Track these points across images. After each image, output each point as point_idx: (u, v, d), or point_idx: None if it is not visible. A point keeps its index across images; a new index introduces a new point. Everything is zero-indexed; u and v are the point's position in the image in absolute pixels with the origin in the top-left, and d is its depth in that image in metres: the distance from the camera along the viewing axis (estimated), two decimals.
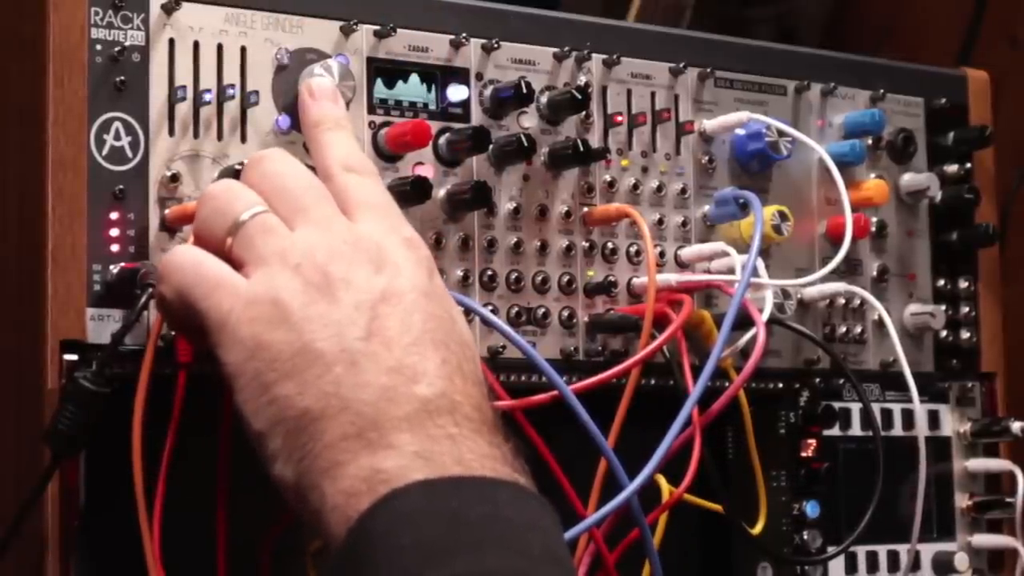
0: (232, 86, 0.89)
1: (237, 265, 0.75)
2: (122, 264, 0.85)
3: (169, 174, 0.87)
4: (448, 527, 0.65)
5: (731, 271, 1.00)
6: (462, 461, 0.68)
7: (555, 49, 1.01)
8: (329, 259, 0.74)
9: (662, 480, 0.97)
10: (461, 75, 0.98)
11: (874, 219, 1.12)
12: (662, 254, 1.03)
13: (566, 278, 0.99)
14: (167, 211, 0.87)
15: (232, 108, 0.90)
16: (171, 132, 0.88)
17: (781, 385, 1.08)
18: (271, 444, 0.71)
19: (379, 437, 0.69)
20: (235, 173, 0.87)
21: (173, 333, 0.84)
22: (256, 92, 0.90)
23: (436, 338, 0.73)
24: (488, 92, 0.98)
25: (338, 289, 0.72)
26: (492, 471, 0.69)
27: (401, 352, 0.71)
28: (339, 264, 0.73)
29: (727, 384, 0.98)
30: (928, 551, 1.14)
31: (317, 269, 0.73)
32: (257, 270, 0.74)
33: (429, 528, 0.65)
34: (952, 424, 1.16)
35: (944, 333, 1.15)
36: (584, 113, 1.01)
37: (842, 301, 1.10)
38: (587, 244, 1.01)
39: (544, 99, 1.00)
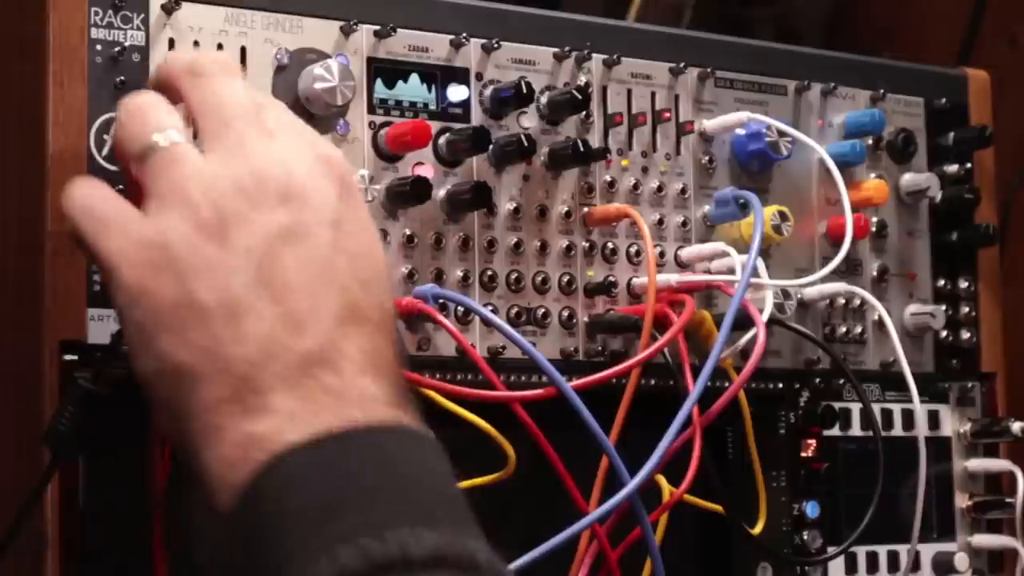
0: None
1: (143, 193, 0.72)
2: None
3: None
4: (333, 484, 0.62)
5: (731, 271, 1.00)
6: (341, 414, 0.65)
7: (555, 49, 1.01)
8: (228, 195, 0.69)
9: (662, 480, 0.97)
10: (461, 75, 0.98)
11: (874, 219, 1.12)
12: (662, 254, 1.03)
13: (566, 278, 0.99)
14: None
15: None
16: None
17: (781, 385, 1.08)
18: (155, 395, 0.69)
19: (255, 399, 0.65)
20: None
21: None
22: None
23: (337, 278, 0.68)
24: (488, 92, 0.98)
25: (231, 230, 0.68)
26: (376, 417, 0.65)
27: (292, 299, 0.67)
28: (238, 201, 0.69)
29: (727, 384, 0.98)
30: (928, 551, 1.14)
31: (213, 207, 0.69)
32: (153, 206, 0.70)
33: (313, 489, 0.62)
34: (952, 424, 1.16)
35: (944, 333, 1.15)
36: (584, 113, 1.01)
37: (842, 301, 1.10)
38: (587, 244, 1.01)
39: (544, 99, 1.00)
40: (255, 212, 0.69)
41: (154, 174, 0.71)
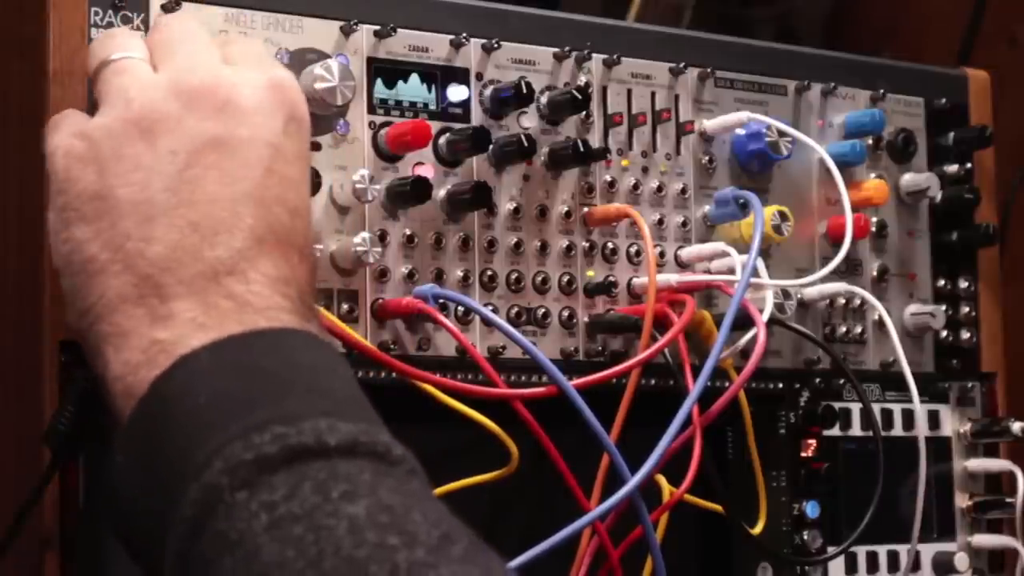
0: None
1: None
2: None
3: None
4: (242, 380, 0.62)
5: (731, 271, 1.00)
6: (244, 321, 0.65)
7: (555, 49, 1.01)
8: (164, 99, 0.69)
9: (662, 480, 0.97)
10: (461, 75, 0.98)
11: (874, 219, 1.12)
12: (662, 254, 1.03)
13: (566, 278, 0.99)
14: None
15: None
16: None
17: (781, 385, 1.08)
18: (64, 284, 0.69)
19: (159, 304, 0.65)
20: None
21: None
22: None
23: (263, 198, 0.68)
24: (488, 92, 0.98)
25: (160, 132, 0.68)
26: (279, 322, 0.65)
27: (209, 207, 0.67)
28: (171, 105, 0.69)
29: (727, 384, 0.98)
30: (928, 551, 1.14)
31: (145, 108, 0.69)
32: (98, 110, 0.72)
33: (222, 384, 0.62)
34: (952, 424, 1.16)
35: (944, 333, 1.15)
36: (584, 113, 1.01)
37: (842, 301, 1.10)
38: (587, 244, 1.01)
39: (544, 99, 1.00)
40: (188, 118, 0.69)
41: (103, 81, 0.73)
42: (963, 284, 1.17)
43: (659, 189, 1.04)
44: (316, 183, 0.89)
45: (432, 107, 0.96)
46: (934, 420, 1.15)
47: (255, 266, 0.67)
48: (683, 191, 1.05)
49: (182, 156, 0.68)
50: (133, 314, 0.66)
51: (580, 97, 0.98)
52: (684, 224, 1.05)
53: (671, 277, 1.00)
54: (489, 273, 0.96)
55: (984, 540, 1.16)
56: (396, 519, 0.55)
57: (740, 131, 1.06)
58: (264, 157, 0.69)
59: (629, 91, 1.04)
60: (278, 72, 0.73)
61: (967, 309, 1.17)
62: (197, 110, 0.69)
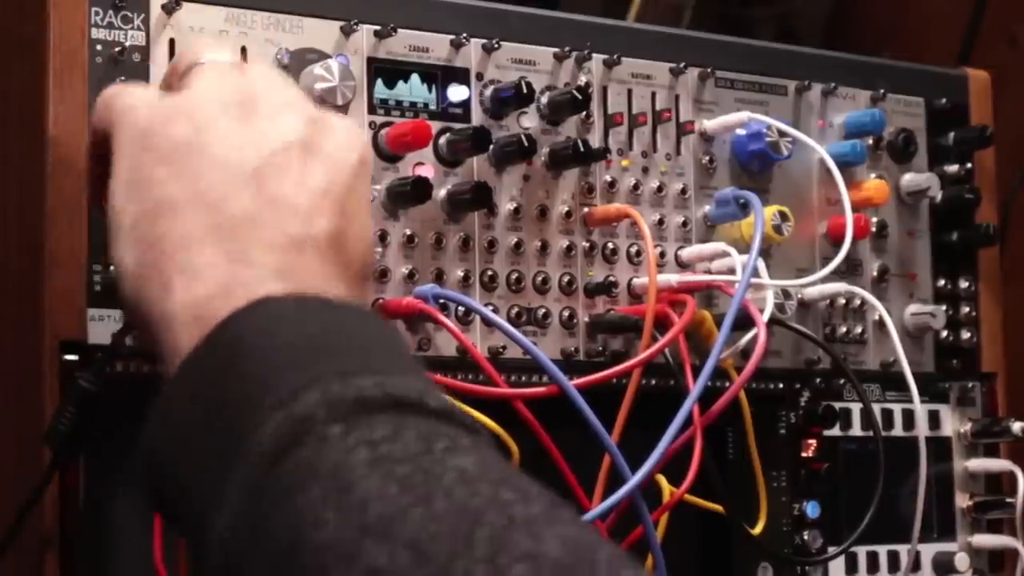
0: None
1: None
2: None
3: None
4: (330, 331, 0.60)
5: (731, 271, 1.00)
6: (322, 289, 0.64)
7: (555, 49, 1.01)
8: (264, 92, 0.70)
9: (663, 480, 0.97)
10: (461, 75, 0.98)
11: (874, 219, 1.12)
12: (662, 254, 1.03)
13: (566, 278, 0.99)
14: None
15: None
16: None
17: (781, 385, 1.08)
18: (121, 220, 0.67)
19: (237, 249, 0.64)
20: None
21: None
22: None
23: (339, 204, 0.68)
24: (488, 92, 0.98)
25: (258, 118, 0.69)
26: (353, 302, 0.64)
27: (292, 195, 0.67)
28: (272, 99, 0.70)
29: (728, 384, 0.98)
30: (928, 551, 1.14)
31: (243, 94, 0.69)
32: (185, 85, 0.71)
33: (310, 329, 0.60)
34: (952, 424, 1.16)
35: (944, 333, 1.15)
36: (584, 113, 1.01)
37: (842, 301, 1.10)
38: (587, 244, 1.01)
39: (544, 99, 1.00)
40: (283, 115, 0.69)
41: (195, 75, 0.72)
42: (963, 284, 1.17)
43: (659, 189, 1.04)
44: None
45: (432, 107, 0.96)
46: (934, 420, 1.15)
47: (324, 257, 0.66)
48: (683, 191, 1.05)
49: (274, 142, 0.68)
50: (210, 252, 0.64)
51: (580, 97, 0.98)
52: (684, 224, 1.05)
53: (671, 277, 1.00)
54: (489, 273, 0.96)
55: (984, 540, 1.16)
56: (506, 476, 0.53)
57: (740, 131, 1.06)
58: (344, 176, 0.69)
59: (629, 91, 1.04)
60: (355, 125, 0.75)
61: (967, 309, 1.17)
62: (292, 112, 0.70)
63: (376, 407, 0.55)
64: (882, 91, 1.14)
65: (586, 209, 1.01)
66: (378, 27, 0.95)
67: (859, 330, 1.11)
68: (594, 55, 1.02)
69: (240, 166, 0.67)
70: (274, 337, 0.60)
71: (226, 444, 0.57)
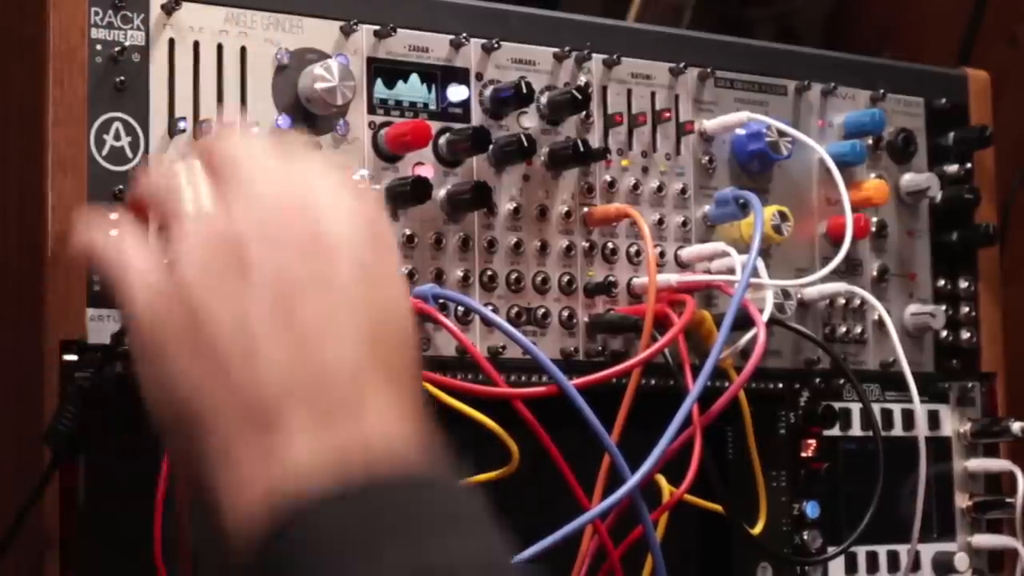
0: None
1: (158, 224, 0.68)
2: None
3: None
4: (371, 528, 0.58)
5: (731, 271, 1.00)
6: (368, 463, 0.60)
7: (555, 49, 1.01)
8: (251, 237, 0.65)
9: (662, 480, 0.97)
10: (461, 75, 0.98)
11: (874, 219, 1.12)
12: (662, 254, 1.03)
13: (566, 278, 0.99)
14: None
15: (232, 107, 0.89)
16: (171, 133, 0.88)
17: (781, 385, 1.08)
18: (162, 416, 0.65)
19: (273, 435, 0.61)
20: None
21: None
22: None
23: (362, 329, 0.64)
24: (488, 92, 0.98)
25: (252, 268, 0.64)
26: (405, 468, 0.61)
27: (312, 342, 0.63)
28: (261, 244, 0.65)
29: (727, 384, 0.98)
30: (928, 551, 1.14)
31: (233, 250, 0.65)
32: (172, 252, 0.66)
33: (351, 529, 0.58)
34: (952, 424, 1.16)
35: (944, 333, 1.15)
36: (584, 113, 1.01)
37: (842, 301, 1.10)
38: (587, 244, 1.01)
39: (544, 99, 1.00)
40: (277, 254, 0.65)
41: (179, 230, 0.67)
42: (963, 284, 1.17)
43: (659, 189, 1.04)
44: None
45: (432, 107, 0.96)
46: (934, 420, 1.15)
47: (367, 403, 0.63)
48: (683, 191, 1.05)
49: (277, 289, 0.64)
50: (245, 442, 0.61)
51: (580, 97, 0.98)
52: (684, 224, 1.05)
53: (671, 277, 1.00)
54: (489, 273, 0.96)
55: (984, 540, 1.16)
56: None
57: (740, 131, 1.06)
58: (354, 291, 0.65)
59: (629, 91, 1.04)
60: (354, 195, 0.69)
61: (967, 309, 1.17)
62: (285, 246, 0.65)
63: None
64: (882, 91, 1.14)
65: (586, 209, 1.01)
66: (378, 27, 0.95)
67: (859, 330, 1.11)
68: (594, 55, 1.02)
69: (249, 336, 0.63)
70: (325, 542, 0.58)
71: None
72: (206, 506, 0.63)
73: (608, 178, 1.02)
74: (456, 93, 0.97)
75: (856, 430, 1.11)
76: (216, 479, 0.62)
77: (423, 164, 0.95)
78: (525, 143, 0.96)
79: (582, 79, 1.02)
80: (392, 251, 0.69)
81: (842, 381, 1.10)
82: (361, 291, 0.66)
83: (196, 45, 0.89)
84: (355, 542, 0.58)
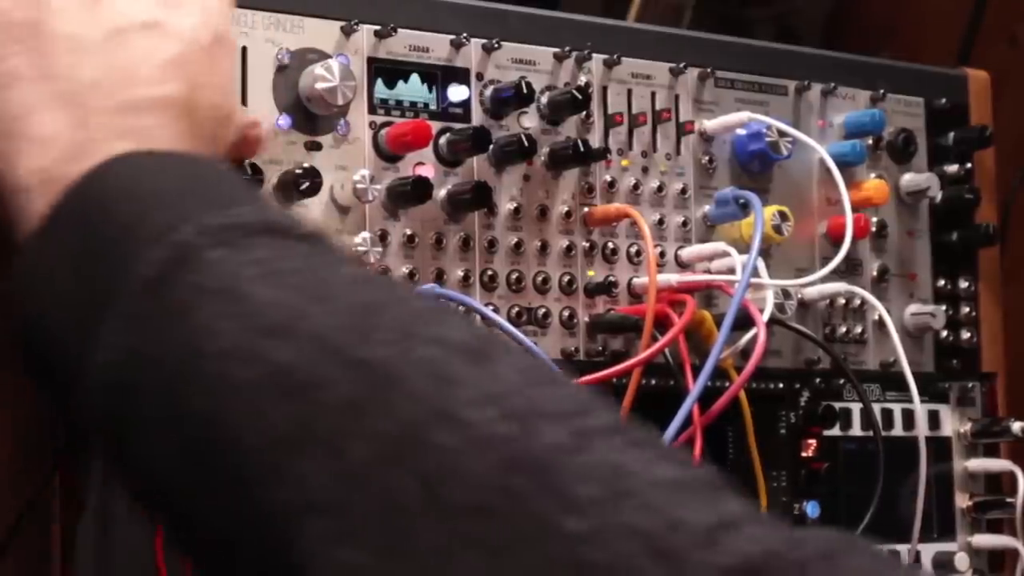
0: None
1: None
2: None
3: None
4: (190, 177, 0.59)
5: (731, 271, 1.00)
6: (168, 145, 0.63)
7: (555, 49, 1.01)
8: None
9: None
10: (461, 75, 0.98)
11: (874, 219, 1.12)
12: (662, 254, 1.03)
13: (566, 278, 0.99)
14: None
15: None
16: None
17: (781, 385, 1.08)
18: None
19: (83, 114, 0.63)
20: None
21: None
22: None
23: (194, 78, 0.67)
24: (488, 92, 0.98)
25: (102, 4, 0.67)
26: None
27: (140, 61, 0.66)
28: None
29: (728, 384, 0.98)
30: (928, 551, 1.14)
31: None
32: None
33: (172, 174, 0.59)
34: (952, 424, 1.16)
35: (944, 333, 1.15)
36: (584, 113, 1.01)
37: (842, 301, 1.10)
38: (587, 244, 1.01)
39: (544, 99, 1.00)
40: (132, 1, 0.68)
41: None
42: (963, 284, 1.17)
43: (659, 189, 1.04)
44: (316, 183, 0.90)
45: (432, 107, 0.96)
46: (934, 420, 1.15)
47: (169, 123, 0.65)
48: (683, 191, 1.05)
49: (120, 24, 0.67)
50: (51, 119, 0.64)
51: (580, 97, 0.98)
52: (684, 224, 1.05)
53: (671, 277, 1.00)
54: (489, 273, 0.96)
55: (984, 540, 1.16)
56: (393, 281, 0.54)
57: (740, 131, 1.06)
58: (194, 50, 0.69)
59: (629, 91, 1.04)
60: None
61: (967, 309, 1.17)
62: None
63: (255, 232, 0.55)
64: (882, 91, 1.14)
65: (586, 209, 1.01)
66: (378, 27, 0.95)
67: (859, 330, 1.11)
68: (594, 55, 1.02)
69: (87, 39, 0.66)
70: (138, 185, 0.59)
71: (99, 284, 0.55)
72: (11, 193, 0.63)
73: (608, 178, 1.02)
74: (456, 93, 0.97)
75: (856, 430, 1.11)
76: (20, 140, 0.63)
77: (423, 164, 0.95)
78: (525, 143, 0.96)
79: (582, 79, 1.02)
80: (225, 59, 0.71)
81: (842, 381, 1.10)
82: (203, 55, 0.68)
83: None
84: (179, 180, 0.59)
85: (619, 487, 0.46)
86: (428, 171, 0.95)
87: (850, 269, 1.11)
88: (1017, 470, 1.14)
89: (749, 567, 0.45)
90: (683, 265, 1.04)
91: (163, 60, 0.67)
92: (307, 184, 0.89)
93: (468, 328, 0.52)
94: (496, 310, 0.96)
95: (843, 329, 1.11)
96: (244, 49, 0.90)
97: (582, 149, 0.98)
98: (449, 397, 0.48)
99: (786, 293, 1.03)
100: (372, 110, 0.94)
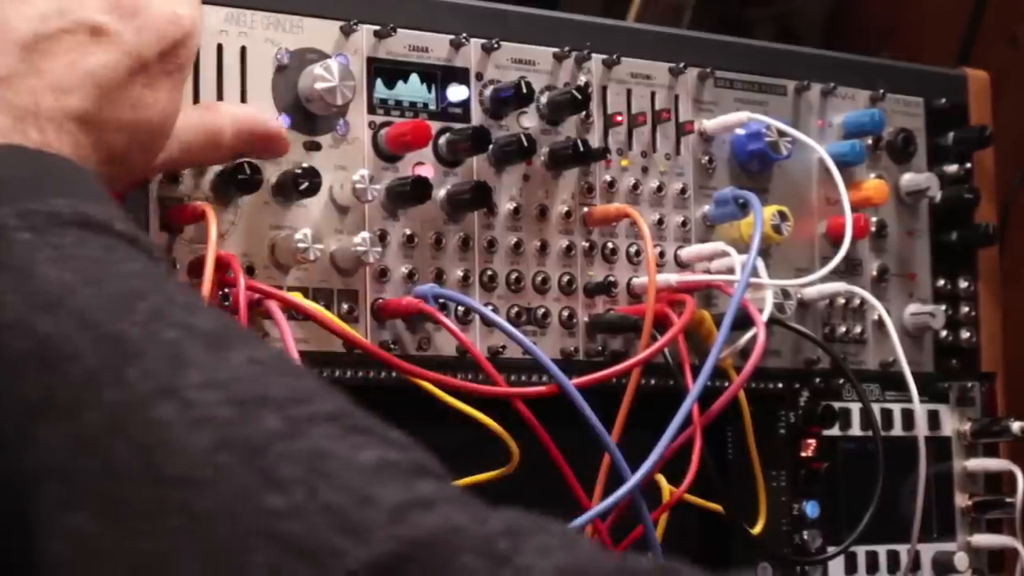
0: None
1: None
2: None
3: (169, 174, 0.87)
4: (18, 167, 0.64)
5: (731, 271, 1.00)
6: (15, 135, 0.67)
7: (555, 49, 1.01)
8: None
9: (662, 480, 0.97)
10: (461, 75, 0.98)
11: (874, 219, 1.12)
12: (662, 254, 1.03)
13: (566, 278, 0.99)
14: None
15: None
16: None
17: (781, 385, 1.08)
18: None
19: None
20: (235, 172, 0.87)
21: None
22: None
23: (112, 95, 0.70)
24: (488, 92, 0.98)
25: None
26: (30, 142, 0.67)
27: (62, 66, 0.69)
28: None
29: (727, 384, 0.98)
30: (928, 551, 1.14)
31: None
32: None
33: (6, 165, 0.63)
34: (952, 424, 1.16)
35: (944, 333, 1.15)
36: (584, 113, 1.01)
37: (842, 301, 1.10)
38: (587, 244, 1.01)
39: (544, 99, 1.00)
40: None
41: None
42: (963, 284, 1.17)
43: (659, 189, 1.04)
44: (316, 183, 0.89)
45: (432, 107, 0.96)
46: (934, 420, 1.15)
47: (68, 137, 0.69)
48: (683, 191, 1.05)
49: (65, 21, 0.70)
50: None
51: (580, 97, 0.98)
52: (684, 224, 1.05)
53: (671, 277, 1.00)
54: (489, 273, 0.96)
55: (984, 540, 1.16)
56: (174, 283, 0.59)
57: (740, 131, 1.06)
58: (124, 65, 0.71)
59: (629, 91, 1.04)
60: None
61: (967, 309, 1.17)
62: None
63: (67, 222, 0.59)
64: (881, 91, 1.14)
65: (586, 209, 1.01)
66: (378, 27, 0.95)
67: (858, 330, 1.11)
68: (594, 55, 1.02)
69: (15, 32, 0.69)
70: None
71: None
72: None
73: (608, 178, 1.02)
74: (456, 93, 0.97)
75: (856, 430, 1.11)
76: None
77: (423, 164, 0.95)
78: (525, 143, 0.96)
79: (582, 79, 1.02)
80: (173, 75, 0.74)
81: (842, 381, 1.10)
82: (122, 64, 0.71)
83: None
84: (6, 171, 0.63)
85: (321, 469, 0.49)
86: (428, 171, 0.95)
87: (850, 269, 1.11)
88: (1017, 470, 1.14)
89: (434, 539, 0.48)
90: (683, 265, 1.04)
91: (85, 71, 0.70)
92: (306, 184, 0.89)
93: (219, 320, 0.56)
94: (496, 310, 0.96)
95: (843, 329, 1.11)
96: (243, 49, 0.90)
97: (582, 149, 0.98)
98: (179, 377, 0.52)
99: (786, 293, 1.03)
100: (371, 110, 0.94)
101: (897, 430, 1.13)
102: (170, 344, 0.53)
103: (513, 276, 0.97)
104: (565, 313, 0.99)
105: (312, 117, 0.92)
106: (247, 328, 0.58)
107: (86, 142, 0.69)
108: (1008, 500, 1.15)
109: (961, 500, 1.16)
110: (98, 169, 0.69)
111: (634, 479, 0.88)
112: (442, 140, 0.96)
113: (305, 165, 0.89)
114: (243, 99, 0.90)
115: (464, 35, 0.97)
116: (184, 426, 0.51)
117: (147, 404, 0.52)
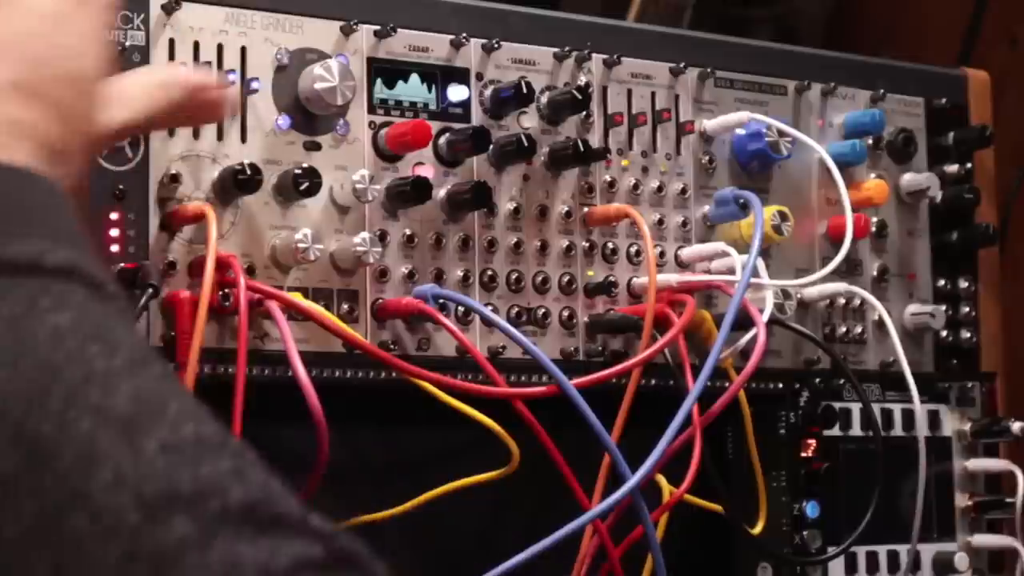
0: (232, 70, 0.89)
1: None
2: (122, 264, 0.85)
3: (169, 174, 0.87)
4: None
5: (731, 271, 1.00)
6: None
7: (555, 49, 1.01)
8: None
9: (662, 480, 0.97)
10: (461, 75, 0.98)
11: (874, 219, 1.12)
12: (662, 254, 1.03)
13: (566, 278, 0.99)
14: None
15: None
16: (171, 132, 0.88)
17: (781, 385, 1.08)
18: None
19: None
20: (235, 173, 0.87)
21: (173, 334, 0.84)
22: (256, 79, 0.90)
23: (35, 55, 0.65)
24: (488, 92, 0.98)
25: None
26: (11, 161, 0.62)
27: None
28: None
29: (727, 384, 0.98)
30: (928, 551, 1.14)
31: None
32: None
33: None
34: (952, 424, 1.16)
35: (944, 333, 1.15)
36: (584, 113, 1.01)
37: (842, 301, 1.10)
38: (587, 244, 1.01)
39: (544, 99, 1.00)
40: None
41: None
42: (963, 284, 1.17)
43: (659, 189, 1.04)
44: (316, 183, 0.89)
45: (432, 107, 0.96)
46: (934, 420, 1.15)
47: (21, 111, 0.64)
48: (683, 191, 1.05)
49: None
50: None
51: (580, 97, 0.98)
52: (684, 224, 1.05)
53: (671, 277, 1.00)
54: (489, 273, 0.96)
55: (984, 540, 1.16)
56: (101, 331, 0.55)
57: (740, 131, 1.06)
58: (35, 22, 0.66)
59: (629, 91, 1.04)
60: None
61: (967, 309, 1.17)
62: None
63: None
64: (882, 91, 1.14)
65: (586, 209, 1.01)
66: (378, 27, 0.95)
67: (859, 330, 1.11)
68: (594, 55, 1.02)
69: None
70: None
71: None
72: None
73: (608, 178, 1.02)
74: (456, 93, 0.97)
75: (856, 430, 1.11)
76: None
77: (423, 164, 0.95)
78: (525, 143, 0.96)
79: (582, 79, 1.02)
80: (83, 24, 0.68)
81: (842, 381, 1.10)
82: (32, 22, 0.66)
83: (196, 45, 0.89)
84: None
85: None
86: (428, 171, 0.95)
87: (850, 269, 1.11)
88: (1017, 470, 1.14)
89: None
90: (683, 265, 1.04)
91: (4, 39, 0.65)
92: (306, 184, 0.89)
93: (139, 387, 0.53)
94: (496, 310, 0.96)
95: (843, 329, 1.11)
96: (243, 49, 0.90)
97: (582, 149, 0.98)
98: (91, 479, 0.50)
99: (786, 293, 1.03)
100: (371, 110, 0.94)
101: (897, 430, 1.13)
102: (83, 440, 0.51)
103: (513, 276, 0.97)
104: (565, 313, 0.99)
105: (312, 117, 0.92)
106: (167, 374, 0.54)
107: (39, 116, 0.64)
108: (1008, 500, 1.15)
109: (961, 500, 1.16)
110: (61, 137, 0.65)
111: (634, 479, 0.88)
112: (442, 140, 0.96)
113: (305, 165, 0.89)
114: (243, 99, 0.90)
115: (464, 35, 0.97)
116: (95, 538, 0.49)
117: (61, 514, 0.50)
